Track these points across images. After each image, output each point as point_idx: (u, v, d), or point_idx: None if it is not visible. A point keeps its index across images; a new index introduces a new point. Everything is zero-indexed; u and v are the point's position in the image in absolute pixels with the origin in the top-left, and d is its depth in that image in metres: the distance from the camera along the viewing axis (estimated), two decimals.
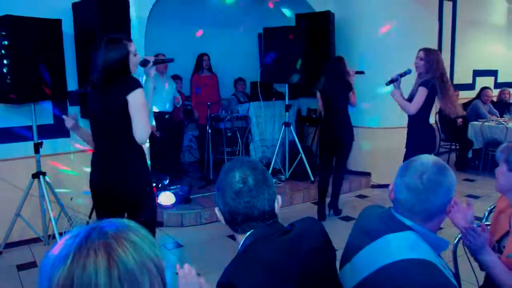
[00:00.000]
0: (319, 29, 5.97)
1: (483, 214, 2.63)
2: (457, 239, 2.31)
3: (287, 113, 5.96)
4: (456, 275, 2.34)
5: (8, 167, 4.14)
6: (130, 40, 2.75)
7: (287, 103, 5.95)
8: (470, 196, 5.51)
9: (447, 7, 7.72)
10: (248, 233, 1.43)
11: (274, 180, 5.16)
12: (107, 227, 0.85)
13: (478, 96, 7.38)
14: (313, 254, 1.41)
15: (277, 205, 1.48)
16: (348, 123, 4.89)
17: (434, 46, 6.39)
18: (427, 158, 1.53)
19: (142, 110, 2.62)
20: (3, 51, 3.80)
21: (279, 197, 1.50)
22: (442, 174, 1.48)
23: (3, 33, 3.77)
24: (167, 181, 5.20)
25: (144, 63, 2.89)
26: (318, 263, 1.42)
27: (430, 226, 1.50)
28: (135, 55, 2.70)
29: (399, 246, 1.42)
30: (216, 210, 1.50)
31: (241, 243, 1.45)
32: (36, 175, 4.02)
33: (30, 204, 4.11)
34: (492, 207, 2.58)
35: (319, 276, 1.41)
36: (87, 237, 0.82)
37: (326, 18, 5.96)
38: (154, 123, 5.45)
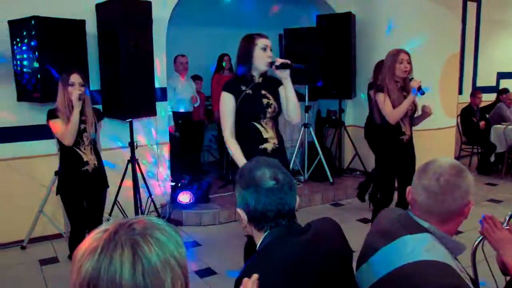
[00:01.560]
0: (340, 31, 5.94)
1: (504, 219, 2.59)
2: (476, 243, 2.29)
3: (306, 114, 5.96)
4: (475, 280, 2.32)
5: (32, 164, 4.25)
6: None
7: (306, 105, 5.96)
8: (491, 200, 5.43)
9: (471, 7, 7.60)
10: (267, 232, 1.46)
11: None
12: (135, 224, 0.88)
13: (498, 98, 7.25)
14: (330, 255, 1.43)
15: (296, 204, 1.52)
16: None
17: (458, 48, 6.32)
18: (445, 160, 1.53)
19: None
20: (30, 51, 3.90)
21: (297, 197, 1.54)
22: (459, 176, 1.48)
23: (29, 33, 3.87)
24: (187, 181, 5.25)
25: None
26: (335, 263, 1.43)
27: (447, 229, 1.50)
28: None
29: (415, 248, 1.43)
30: (239, 210, 1.51)
31: (260, 241, 1.48)
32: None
33: (53, 201, 4.19)
34: None
35: (336, 276, 1.42)
36: (115, 232, 0.85)
37: (347, 19, 5.94)
38: (173, 123, 5.51)
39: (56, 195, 3.43)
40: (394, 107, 3.61)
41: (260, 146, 2.81)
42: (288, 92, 2.86)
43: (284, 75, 2.81)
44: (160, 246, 0.85)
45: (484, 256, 2.22)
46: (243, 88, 2.83)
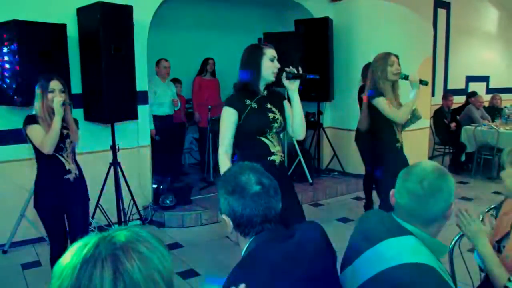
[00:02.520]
0: (317, 35, 6.07)
1: (478, 216, 2.73)
2: (453, 242, 2.41)
3: None
4: (452, 277, 2.45)
5: (13, 168, 4.22)
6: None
7: None
8: (463, 198, 5.64)
9: (441, 14, 7.88)
10: (252, 238, 1.46)
11: None
12: (116, 237, 0.84)
13: (467, 101, 7.54)
14: (316, 259, 1.43)
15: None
16: None
17: (430, 52, 6.55)
18: (428, 164, 1.58)
19: None
20: (10, 55, 3.88)
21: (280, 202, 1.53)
22: (442, 179, 1.52)
23: (10, 37, 3.85)
24: (168, 183, 5.28)
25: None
26: (321, 267, 1.44)
27: (430, 231, 1.54)
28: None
29: (399, 251, 1.45)
30: (224, 216, 1.49)
31: (245, 247, 1.47)
32: None
33: None
34: (488, 209, 2.68)
35: (322, 280, 1.43)
36: (95, 247, 0.82)
37: (325, 24, 6.07)
38: (153, 126, 5.53)
39: (34, 207, 3.12)
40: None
41: (269, 158, 2.67)
42: (294, 105, 2.73)
43: (293, 87, 2.69)
44: (143, 260, 0.82)
45: (460, 252, 2.36)
46: (248, 102, 2.67)
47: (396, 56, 3.60)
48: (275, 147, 2.70)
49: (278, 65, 2.68)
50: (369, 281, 1.47)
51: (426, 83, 3.54)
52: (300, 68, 2.69)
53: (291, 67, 2.68)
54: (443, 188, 1.52)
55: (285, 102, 2.81)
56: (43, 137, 2.94)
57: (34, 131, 2.97)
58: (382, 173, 3.63)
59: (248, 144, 2.71)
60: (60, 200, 3.06)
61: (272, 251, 1.40)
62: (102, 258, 0.80)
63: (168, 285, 0.85)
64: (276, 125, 2.69)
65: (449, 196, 1.53)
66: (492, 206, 2.61)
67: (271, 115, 2.68)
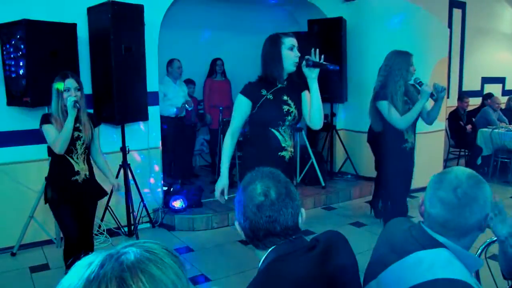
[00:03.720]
0: (331, 35, 5.96)
1: None
2: (480, 249, 2.30)
3: None
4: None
5: (23, 170, 4.16)
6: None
7: None
8: None
9: (456, 15, 7.72)
10: (270, 249, 1.34)
11: None
12: (125, 256, 0.76)
13: (483, 103, 7.39)
14: (339, 272, 1.34)
15: (301, 220, 1.39)
16: None
17: (446, 53, 6.41)
18: (462, 171, 1.47)
19: None
20: (20, 55, 3.83)
21: (303, 211, 1.40)
22: (477, 187, 1.42)
23: (20, 36, 3.80)
24: (179, 185, 5.21)
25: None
26: (344, 280, 1.35)
27: (463, 243, 1.43)
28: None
29: (431, 265, 1.35)
30: (236, 224, 1.41)
31: (262, 260, 1.36)
32: None
33: (44, 207, 4.10)
34: None
35: None
36: (100, 267, 0.73)
37: (338, 24, 5.97)
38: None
39: (45, 203, 3.22)
40: (400, 113, 3.37)
41: (280, 153, 2.67)
42: (313, 94, 2.66)
43: (313, 75, 2.62)
44: (153, 284, 0.73)
45: (486, 261, 2.24)
46: (264, 92, 2.66)
47: (411, 56, 3.49)
48: (286, 142, 2.69)
49: (298, 54, 2.64)
50: None
51: (435, 99, 3.33)
52: (322, 57, 2.63)
53: (308, 57, 2.61)
54: (479, 197, 1.41)
55: (304, 93, 2.74)
56: (55, 137, 2.96)
57: (47, 131, 3.00)
58: (384, 174, 3.59)
59: (260, 135, 2.71)
60: (68, 199, 3.08)
61: (295, 264, 1.30)
62: (107, 280, 0.71)
63: None
64: (289, 118, 2.67)
65: (485, 205, 1.41)
66: None
67: (285, 107, 2.66)
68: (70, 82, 2.99)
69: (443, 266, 1.34)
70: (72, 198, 3.08)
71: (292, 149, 2.74)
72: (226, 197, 2.74)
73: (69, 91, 2.97)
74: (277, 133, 2.67)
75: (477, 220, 1.41)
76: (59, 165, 3.07)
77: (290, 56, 2.62)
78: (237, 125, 2.75)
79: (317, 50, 2.63)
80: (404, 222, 1.62)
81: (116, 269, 0.73)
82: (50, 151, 3.13)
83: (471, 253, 1.45)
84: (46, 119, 3.02)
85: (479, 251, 2.27)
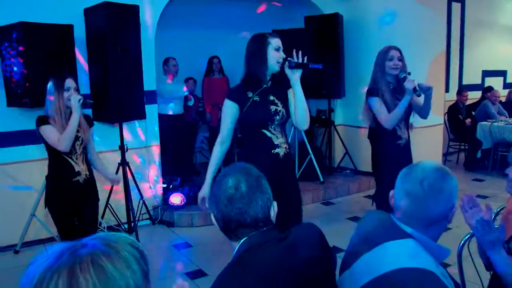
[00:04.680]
0: (327, 31, 5.99)
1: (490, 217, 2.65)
2: (463, 241, 2.34)
3: None
4: (461, 277, 2.37)
5: (23, 169, 4.25)
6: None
7: None
8: (479, 196, 5.52)
9: (456, 8, 7.72)
10: (242, 240, 1.40)
11: None
12: (81, 249, 0.81)
13: (483, 96, 7.39)
14: (309, 263, 1.37)
15: (273, 213, 1.44)
16: None
17: (443, 47, 6.42)
18: (429, 164, 1.51)
19: None
20: (18, 57, 3.90)
21: (275, 204, 1.46)
22: (443, 180, 1.45)
23: (18, 38, 3.87)
24: (178, 182, 5.28)
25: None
26: (314, 272, 1.38)
27: (431, 234, 1.47)
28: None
29: (398, 254, 1.40)
30: (212, 216, 1.47)
31: (235, 250, 1.42)
32: None
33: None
34: (499, 208, 2.60)
35: (315, 283, 1.38)
36: (57, 258, 0.79)
37: (335, 20, 5.98)
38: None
39: (45, 207, 3.22)
40: (389, 111, 3.29)
41: (273, 151, 2.65)
42: (297, 96, 2.62)
43: (295, 77, 2.58)
44: (102, 276, 0.78)
45: (469, 253, 2.27)
46: (250, 94, 2.63)
47: (398, 50, 3.35)
48: (278, 139, 2.67)
49: (283, 55, 2.63)
50: (367, 285, 1.42)
51: (419, 94, 3.17)
52: (305, 58, 2.61)
53: (294, 57, 2.60)
54: (444, 189, 1.44)
55: (290, 91, 2.70)
56: (57, 136, 2.97)
57: (48, 131, 3.00)
58: (378, 170, 3.59)
59: (252, 137, 2.71)
60: (70, 201, 3.09)
61: (261, 255, 1.35)
62: (60, 270, 0.77)
63: None
64: (278, 117, 2.65)
65: (450, 197, 1.46)
66: (503, 206, 2.53)
67: (273, 107, 2.64)
68: (70, 82, 3.03)
69: (409, 256, 1.38)
70: (73, 200, 3.09)
71: (286, 145, 2.71)
72: (206, 205, 2.67)
73: (69, 91, 3.01)
74: (268, 133, 2.65)
75: (443, 211, 1.45)
76: (59, 167, 3.08)
77: (275, 56, 2.60)
78: (227, 132, 2.70)
79: (300, 51, 2.62)
80: (378, 214, 1.66)
81: (70, 261, 0.78)
82: (50, 153, 3.09)
83: (438, 244, 1.48)
84: (43, 121, 3.02)
85: (462, 242, 2.32)
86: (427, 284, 1.32)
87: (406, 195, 1.47)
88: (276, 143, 2.66)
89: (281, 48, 2.65)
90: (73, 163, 3.07)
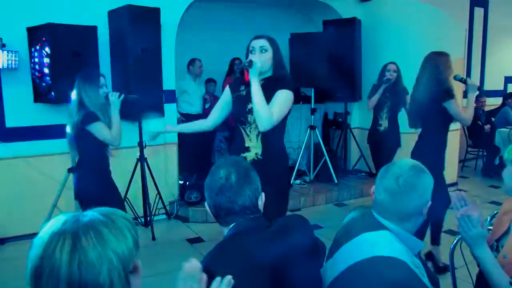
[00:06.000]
0: (345, 35, 6.07)
1: (486, 218, 2.71)
2: (455, 240, 2.40)
3: (312, 116, 6.11)
4: (452, 275, 2.44)
5: (47, 162, 4.50)
6: None
7: (312, 107, 6.10)
8: (493, 202, 5.50)
9: (478, 13, 7.67)
10: (231, 226, 1.55)
11: (298, 181, 5.28)
12: (83, 217, 0.95)
13: (504, 102, 7.32)
14: (291, 249, 1.47)
15: (260, 202, 1.58)
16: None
17: (462, 53, 6.41)
18: (406, 162, 1.62)
19: None
20: (45, 55, 4.14)
21: (263, 194, 1.60)
22: (418, 177, 1.56)
23: (45, 38, 4.10)
24: (194, 179, 5.44)
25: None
26: (296, 257, 1.48)
27: (406, 227, 1.58)
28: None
29: (373, 244, 1.51)
30: (206, 204, 1.62)
31: (225, 234, 1.57)
32: (71, 170, 4.29)
33: (66, 196, 4.41)
34: (495, 211, 2.65)
35: (296, 270, 1.47)
36: (63, 224, 0.94)
37: (352, 24, 6.07)
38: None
39: (76, 199, 3.50)
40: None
41: (242, 154, 2.64)
42: (252, 96, 2.55)
43: (249, 77, 2.56)
44: (100, 240, 0.92)
45: (461, 252, 2.34)
46: (242, 88, 2.72)
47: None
48: (251, 142, 2.66)
49: (257, 55, 2.61)
50: (344, 272, 1.54)
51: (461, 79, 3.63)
52: (250, 60, 2.56)
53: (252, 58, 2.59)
54: (418, 186, 1.55)
55: (276, 93, 2.62)
56: (110, 132, 3.21)
57: (102, 128, 3.19)
58: None
59: (234, 130, 2.80)
60: (106, 191, 3.33)
61: (246, 239, 1.48)
62: (65, 234, 0.92)
63: (124, 264, 0.95)
64: (252, 116, 2.62)
65: (424, 193, 1.56)
66: (497, 210, 2.58)
67: (250, 105, 2.62)
68: (104, 80, 3.32)
69: (384, 246, 1.50)
70: (107, 189, 3.37)
71: (260, 151, 2.64)
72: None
73: (103, 88, 3.29)
74: (243, 131, 2.68)
75: (416, 206, 1.56)
76: (101, 160, 3.32)
77: (253, 58, 2.59)
78: (213, 111, 2.91)
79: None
80: (361, 209, 1.79)
81: (74, 226, 0.93)
82: (95, 147, 3.22)
83: (413, 236, 1.60)
84: (94, 117, 3.15)
85: (454, 242, 2.39)
86: (397, 271, 1.43)
87: (384, 191, 1.59)
88: (247, 145, 2.67)
89: (256, 48, 2.63)
90: (108, 155, 3.37)
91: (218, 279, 1.27)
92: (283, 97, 2.61)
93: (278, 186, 2.62)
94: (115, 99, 3.24)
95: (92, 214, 0.98)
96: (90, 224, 0.94)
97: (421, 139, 3.72)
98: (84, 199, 3.30)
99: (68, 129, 3.27)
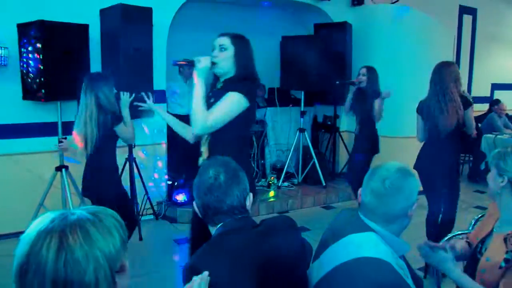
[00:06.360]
0: (336, 39, 6.13)
1: (470, 222, 2.76)
2: (443, 241, 2.44)
3: (302, 119, 6.14)
4: (437, 278, 2.49)
5: (35, 160, 4.46)
6: None
7: (302, 110, 6.14)
8: (478, 207, 5.58)
9: (467, 21, 7.78)
10: (219, 225, 1.56)
11: (286, 184, 5.29)
12: (71, 216, 0.96)
13: (490, 109, 7.43)
14: (278, 249, 1.50)
15: (248, 202, 1.60)
16: None
17: (450, 58, 6.48)
18: (392, 164, 1.64)
19: None
20: (35, 53, 4.11)
21: (251, 195, 1.63)
22: (404, 179, 1.58)
23: (35, 36, 4.08)
24: (183, 179, 5.44)
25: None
26: (282, 257, 1.51)
27: (392, 229, 1.60)
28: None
29: (359, 245, 1.54)
30: (194, 204, 1.63)
31: (213, 233, 1.58)
32: (59, 168, 4.27)
33: (53, 195, 4.38)
34: (479, 215, 2.71)
35: (282, 269, 1.50)
36: (51, 222, 0.94)
37: (343, 28, 6.12)
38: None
39: (85, 196, 3.58)
40: None
41: (199, 157, 2.57)
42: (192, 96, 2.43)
43: (196, 76, 2.44)
44: (87, 239, 0.92)
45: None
46: (210, 94, 2.54)
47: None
48: (203, 147, 2.55)
49: (216, 54, 2.49)
50: (330, 273, 1.56)
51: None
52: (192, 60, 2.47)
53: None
54: (404, 188, 1.58)
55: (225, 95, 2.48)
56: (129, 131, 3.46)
57: (124, 127, 3.43)
58: None
59: None
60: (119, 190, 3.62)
61: (234, 238, 1.50)
62: (52, 232, 0.92)
63: (110, 263, 0.95)
64: None
65: (410, 195, 1.59)
66: (483, 214, 2.63)
67: None
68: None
69: (369, 247, 1.53)
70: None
71: (205, 157, 2.51)
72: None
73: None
74: (203, 136, 2.57)
75: (402, 208, 1.59)
76: (113, 158, 3.52)
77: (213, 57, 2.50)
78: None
79: None
80: (349, 211, 1.81)
81: (61, 224, 0.93)
82: (114, 147, 3.51)
83: (398, 238, 1.62)
84: (120, 118, 3.42)
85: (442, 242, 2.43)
86: (382, 272, 1.46)
87: (370, 193, 1.61)
88: (201, 149, 2.57)
89: (215, 47, 2.51)
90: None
91: (195, 278, 1.31)
92: (229, 100, 2.39)
93: None
94: (127, 98, 3.44)
95: (81, 212, 0.98)
96: (77, 223, 0.94)
97: (433, 146, 3.80)
98: (99, 198, 3.37)
99: (74, 130, 3.38)
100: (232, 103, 2.40)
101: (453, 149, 3.82)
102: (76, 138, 3.34)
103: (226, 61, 2.47)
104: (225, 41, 2.50)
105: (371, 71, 4.85)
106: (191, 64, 2.47)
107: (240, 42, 2.52)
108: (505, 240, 1.85)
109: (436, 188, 3.77)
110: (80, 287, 0.91)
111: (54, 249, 0.90)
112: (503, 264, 1.81)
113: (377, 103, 4.64)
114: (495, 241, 1.94)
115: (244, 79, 2.48)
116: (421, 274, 3.62)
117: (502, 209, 1.99)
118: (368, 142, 4.80)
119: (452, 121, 3.62)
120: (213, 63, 2.45)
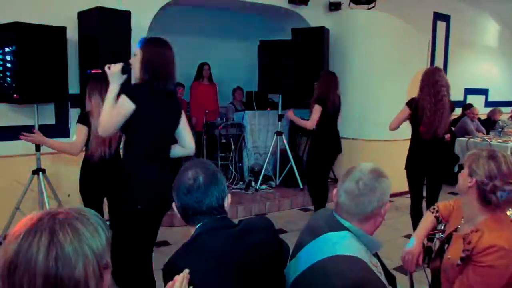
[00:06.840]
0: (313, 44, 6.22)
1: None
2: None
3: (279, 122, 6.20)
4: (410, 276, 2.57)
5: (11, 163, 4.41)
6: None
7: (279, 113, 6.20)
8: None
9: (441, 27, 7.99)
10: (199, 225, 1.60)
11: (264, 186, 5.34)
12: (59, 214, 0.98)
13: (463, 113, 7.63)
14: (256, 248, 1.54)
15: (226, 203, 1.65)
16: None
17: (424, 64, 6.65)
18: (366, 166, 1.70)
19: None
20: (11, 55, 4.06)
21: (229, 196, 1.67)
22: (376, 180, 1.64)
23: (11, 38, 4.03)
24: None
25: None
26: (260, 256, 1.55)
27: (366, 228, 1.66)
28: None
29: (334, 243, 1.59)
30: (173, 205, 1.66)
31: (192, 233, 1.62)
32: (36, 172, 4.22)
33: (30, 199, 4.33)
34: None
35: (260, 268, 1.54)
36: (40, 219, 0.96)
37: (320, 33, 6.22)
38: None
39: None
40: None
41: None
42: None
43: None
44: (76, 235, 0.95)
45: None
46: None
47: None
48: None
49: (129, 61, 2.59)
50: (306, 271, 1.61)
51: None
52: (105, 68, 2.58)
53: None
54: (377, 189, 1.64)
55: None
56: None
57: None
58: None
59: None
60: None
61: (212, 238, 1.54)
62: (42, 229, 0.94)
63: (98, 259, 0.98)
64: None
65: (382, 196, 1.65)
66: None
67: None
68: None
69: (343, 245, 1.58)
70: None
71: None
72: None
73: None
74: None
75: (375, 208, 1.65)
76: None
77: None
78: None
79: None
80: (325, 211, 1.86)
81: (50, 222, 0.96)
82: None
83: (371, 237, 1.69)
84: None
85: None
86: (356, 269, 1.52)
87: (344, 193, 1.67)
88: None
89: (134, 53, 2.59)
90: None
91: (176, 277, 1.34)
92: (118, 103, 2.45)
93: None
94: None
95: (67, 212, 1.01)
96: (66, 221, 0.97)
97: (430, 145, 4.20)
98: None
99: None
100: (117, 106, 2.45)
101: (445, 150, 4.29)
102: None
103: (136, 65, 2.54)
104: (138, 46, 2.57)
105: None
106: (103, 71, 2.56)
107: (149, 47, 2.57)
108: (463, 239, 1.93)
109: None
110: (70, 282, 0.93)
111: (45, 245, 0.92)
112: (459, 262, 1.88)
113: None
114: (456, 240, 2.03)
115: (151, 81, 2.50)
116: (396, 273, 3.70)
117: (465, 207, 2.07)
118: (326, 141, 5.22)
119: (447, 123, 4.10)
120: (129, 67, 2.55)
